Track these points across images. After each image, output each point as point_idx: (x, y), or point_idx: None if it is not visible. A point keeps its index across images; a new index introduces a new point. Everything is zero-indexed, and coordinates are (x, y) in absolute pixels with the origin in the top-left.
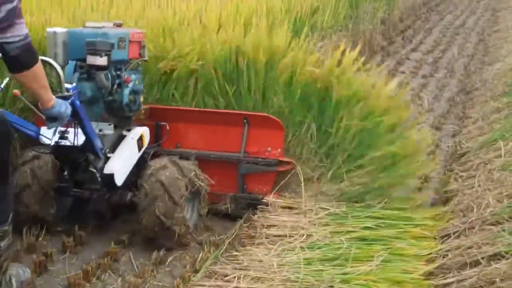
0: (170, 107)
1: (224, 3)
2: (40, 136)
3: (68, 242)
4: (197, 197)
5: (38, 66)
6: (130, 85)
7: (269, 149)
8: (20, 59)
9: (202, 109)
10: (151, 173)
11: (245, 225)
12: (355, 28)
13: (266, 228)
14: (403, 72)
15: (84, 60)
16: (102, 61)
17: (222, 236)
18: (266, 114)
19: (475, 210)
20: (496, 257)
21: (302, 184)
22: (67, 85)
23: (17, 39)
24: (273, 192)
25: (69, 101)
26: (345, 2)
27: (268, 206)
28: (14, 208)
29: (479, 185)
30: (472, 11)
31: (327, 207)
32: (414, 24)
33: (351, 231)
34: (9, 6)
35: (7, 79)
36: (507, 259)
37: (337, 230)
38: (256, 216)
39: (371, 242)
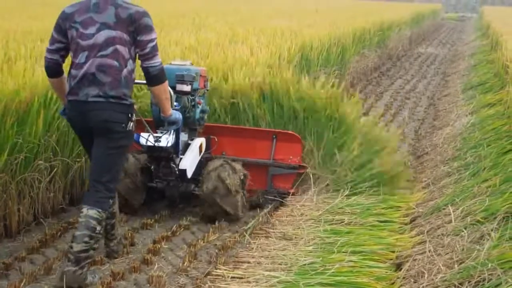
0: (218, 124)
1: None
2: (141, 139)
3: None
4: (243, 188)
5: (166, 83)
6: (200, 106)
7: (291, 157)
8: (158, 77)
9: (241, 127)
10: (211, 170)
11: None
12: None
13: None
14: None
15: (173, 87)
16: (187, 88)
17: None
18: (290, 132)
19: (426, 276)
20: None
21: (312, 180)
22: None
23: (156, 64)
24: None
25: None
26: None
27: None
28: None
29: (429, 251)
30: (423, 76)
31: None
32: (365, 89)
33: None
34: (152, 43)
35: None
36: None
37: None
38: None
39: None
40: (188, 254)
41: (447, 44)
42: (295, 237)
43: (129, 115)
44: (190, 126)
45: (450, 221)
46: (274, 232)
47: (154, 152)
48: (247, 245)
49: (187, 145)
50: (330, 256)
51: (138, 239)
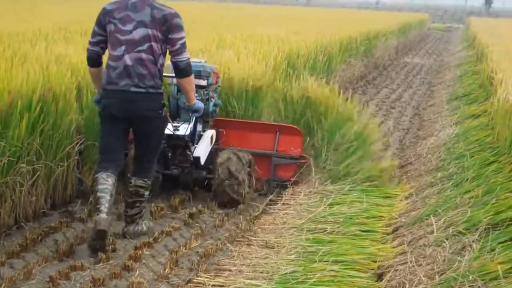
0: (226, 118)
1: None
2: None
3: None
4: (250, 174)
5: (192, 76)
6: (213, 100)
7: (292, 148)
8: (186, 70)
9: (247, 121)
10: (222, 162)
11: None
12: None
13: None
14: None
15: None
16: (204, 83)
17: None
18: (291, 125)
19: (407, 286)
20: None
21: (313, 169)
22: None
23: (185, 59)
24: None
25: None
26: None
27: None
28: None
29: (411, 261)
30: (409, 85)
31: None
32: (351, 98)
33: None
34: (181, 41)
35: None
36: None
37: None
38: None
39: None
40: (170, 261)
41: (433, 54)
42: (277, 246)
43: (162, 102)
44: (204, 118)
45: (432, 232)
46: (256, 240)
47: (172, 140)
48: (229, 253)
49: (200, 136)
50: (312, 265)
51: (119, 245)
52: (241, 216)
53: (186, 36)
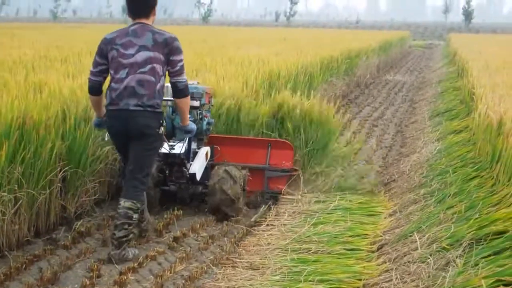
0: (220, 135)
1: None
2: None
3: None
4: (245, 189)
5: (189, 97)
6: (207, 119)
7: (284, 162)
8: (184, 90)
9: (240, 137)
10: (216, 181)
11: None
12: None
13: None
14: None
15: None
16: (196, 103)
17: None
18: (283, 140)
19: None
20: None
21: (302, 180)
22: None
23: (183, 80)
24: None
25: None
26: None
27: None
28: None
29: (396, 278)
30: (391, 103)
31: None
32: (333, 117)
33: None
34: (181, 63)
35: None
36: None
37: None
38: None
39: None
40: (155, 285)
41: (415, 71)
42: (262, 267)
43: (160, 121)
44: (198, 136)
45: (416, 248)
46: (240, 262)
47: (168, 158)
48: (214, 276)
49: (195, 153)
50: (297, 285)
51: (104, 270)
52: (225, 238)
53: None
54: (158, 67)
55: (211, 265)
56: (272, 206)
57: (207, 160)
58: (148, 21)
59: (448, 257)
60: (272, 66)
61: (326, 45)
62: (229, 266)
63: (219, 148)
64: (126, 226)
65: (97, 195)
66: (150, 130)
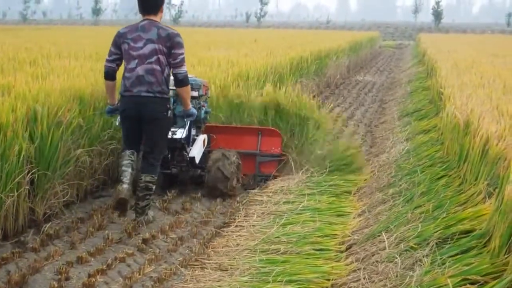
0: (216, 124)
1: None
2: None
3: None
4: (238, 172)
5: (189, 86)
6: (204, 108)
7: (273, 148)
8: (183, 81)
9: (233, 126)
10: (213, 161)
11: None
12: None
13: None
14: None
15: None
16: (195, 94)
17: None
18: (271, 128)
19: None
20: None
21: (292, 164)
22: None
23: (183, 71)
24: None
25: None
26: None
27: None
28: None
29: (364, 278)
30: (361, 103)
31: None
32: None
33: None
34: (181, 56)
35: None
36: None
37: None
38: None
39: None
40: None
41: (385, 72)
42: (231, 268)
43: (168, 106)
44: (197, 124)
45: (384, 248)
46: (209, 263)
47: (171, 143)
48: (183, 277)
49: (194, 140)
50: (266, 286)
51: (73, 273)
52: (194, 240)
53: None
54: (162, 58)
55: (180, 267)
56: (241, 207)
57: (205, 147)
58: (156, 18)
59: (416, 257)
60: (242, 67)
61: (296, 46)
62: (198, 267)
63: (215, 136)
64: (147, 197)
65: (66, 198)
66: (159, 114)
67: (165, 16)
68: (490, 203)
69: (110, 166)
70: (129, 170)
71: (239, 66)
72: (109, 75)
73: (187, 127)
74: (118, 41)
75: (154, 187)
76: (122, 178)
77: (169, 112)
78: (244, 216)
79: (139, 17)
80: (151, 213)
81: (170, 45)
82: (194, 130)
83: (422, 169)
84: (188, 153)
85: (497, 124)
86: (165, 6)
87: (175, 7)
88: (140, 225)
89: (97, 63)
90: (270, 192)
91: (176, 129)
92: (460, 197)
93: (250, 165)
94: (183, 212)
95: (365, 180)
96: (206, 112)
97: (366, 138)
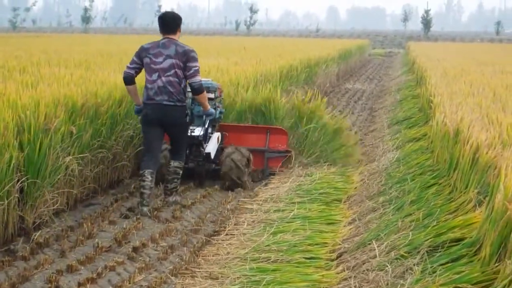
0: (228, 123)
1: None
2: None
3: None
4: (248, 166)
5: (205, 92)
6: (219, 108)
7: (280, 145)
8: (199, 89)
9: (244, 125)
10: (227, 155)
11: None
12: None
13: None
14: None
15: None
16: (212, 95)
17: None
18: (279, 127)
19: None
20: None
21: (293, 158)
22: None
23: (197, 81)
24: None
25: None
26: None
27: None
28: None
29: (355, 286)
30: (351, 111)
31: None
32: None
33: None
34: (195, 68)
35: None
36: None
37: None
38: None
39: None
40: None
41: (374, 80)
42: (221, 276)
43: (186, 112)
44: (212, 123)
45: (375, 256)
46: (200, 271)
47: (189, 140)
48: (173, 286)
49: (209, 137)
50: None
51: (63, 282)
52: (185, 248)
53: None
54: (180, 71)
55: (170, 275)
56: (231, 215)
57: (219, 143)
58: (175, 36)
59: (406, 265)
60: (231, 76)
61: (286, 54)
62: (188, 276)
63: (227, 134)
64: (176, 180)
65: (56, 206)
66: (180, 120)
67: (154, 24)
68: (481, 211)
69: (100, 174)
70: (148, 192)
71: (229, 74)
72: (128, 80)
73: (206, 126)
74: (142, 54)
75: (181, 172)
76: (142, 200)
77: (187, 117)
78: (235, 225)
79: (128, 25)
80: (178, 195)
81: (186, 59)
82: (210, 129)
83: (412, 177)
84: (204, 149)
85: (487, 133)
86: (154, 14)
87: None
88: (169, 206)
89: (87, 71)
90: (260, 200)
91: (194, 127)
92: (450, 205)
93: (259, 160)
94: (174, 220)
95: (355, 188)
96: (220, 112)
97: (356, 146)
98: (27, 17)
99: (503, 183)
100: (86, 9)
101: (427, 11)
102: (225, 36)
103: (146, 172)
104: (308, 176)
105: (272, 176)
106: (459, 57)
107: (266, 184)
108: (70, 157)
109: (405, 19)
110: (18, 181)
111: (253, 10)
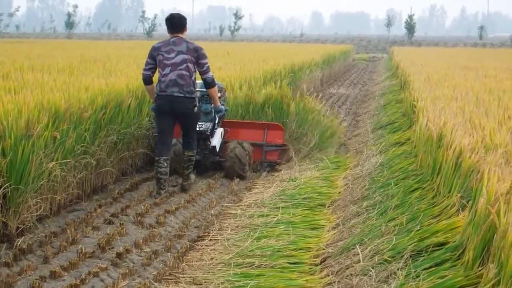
0: (229, 120)
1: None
2: None
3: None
4: (249, 159)
5: (216, 87)
6: (224, 106)
7: (276, 139)
8: (212, 83)
9: (244, 121)
10: (231, 149)
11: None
12: None
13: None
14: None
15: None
16: (218, 94)
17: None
18: (276, 123)
19: None
20: None
21: (293, 153)
22: None
23: (210, 76)
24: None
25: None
26: None
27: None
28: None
29: None
30: (334, 116)
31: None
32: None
33: None
34: (207, 65)
35: None
36: None
37: None
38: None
39: None
40: None
41: (358, 84)
42: (205, 282)
43: (195, 103)
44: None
45: (359, 261)
46: (184, 277)
47: (198, 134)
48: None
49: (214, 132)
50: None
51: (47, 286)
52: (169, 254)
53: (110, 76)
54: (191, 65)
55: (154, 281)
56: (215, 221)
57: (222, 138)
58: (183, 35)
59: (390, 269)
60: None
61: (270, 59)
62: (172, 282)
63: (229, 130)
64: (190, 166)
65: (39, 212)
66: (189, 110)
67: (138, 29)
68: (464, 216)
69: (84, 180)
70: (165, 177)
71: None
72: (147, 81)
73: (215, 121)
74: (153, 54)
75: (194, 159)
76: (160, 185)
77: (195, 108)
78: (218, 230)
79: (111, 30)
80: (192, 176)
81: (197, 56)
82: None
83: (396, 182)
84: (210, 143)
85: (470, 137)
86: (138, 19)
87: (148, 21)
88: (186, 188)
89: (70, 77)
90: (244, 205)
91: (202, 123)
92: (433, 209)
93: (258, 153)
94: (157, 226)
95: (339, 193)
96: (225, 110)
97: (340, 151)
98: (10, 22)
99: (486, 187)
100: (69, 15)
101: (410, 16)
102: (209, 41)
103: (162, 159)
104: (292, 181)
105: (256, 181)
106: (442, 62)
107: (250, 189)
108: (54, 162)
109: (389, 24)
110: (0, 187)
111: (237, 16)
